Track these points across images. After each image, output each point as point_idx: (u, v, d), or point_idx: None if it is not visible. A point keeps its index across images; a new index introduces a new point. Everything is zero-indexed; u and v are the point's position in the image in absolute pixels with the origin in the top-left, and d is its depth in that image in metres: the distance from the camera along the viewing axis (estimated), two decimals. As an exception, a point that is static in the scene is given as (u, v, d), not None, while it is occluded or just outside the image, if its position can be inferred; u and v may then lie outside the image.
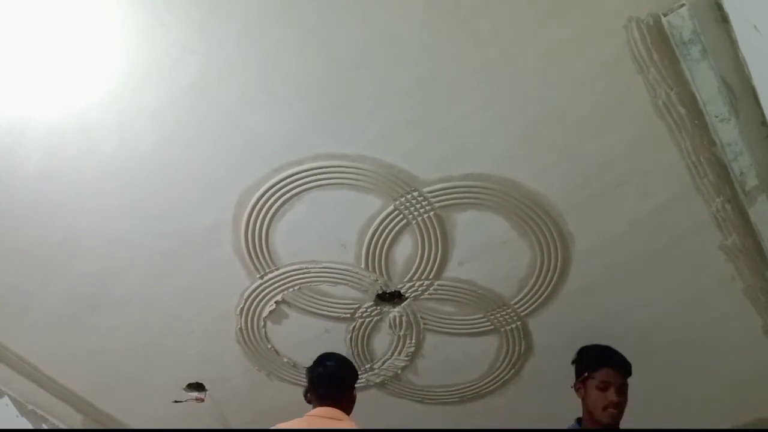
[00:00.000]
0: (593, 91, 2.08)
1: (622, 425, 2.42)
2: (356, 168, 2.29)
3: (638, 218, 2.35)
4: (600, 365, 2.44)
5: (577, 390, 2.48)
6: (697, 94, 2.01)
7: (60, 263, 2.53)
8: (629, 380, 2.45)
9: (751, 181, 2.18)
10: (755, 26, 1.79)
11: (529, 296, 2.65)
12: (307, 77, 2.07)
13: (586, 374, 2.46)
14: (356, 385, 2.64)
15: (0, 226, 2.43)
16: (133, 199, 2.36)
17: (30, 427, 2.95)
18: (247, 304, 2.72)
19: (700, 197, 2.28)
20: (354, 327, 2.81)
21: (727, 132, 2.07)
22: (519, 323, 2.74)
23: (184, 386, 3.05)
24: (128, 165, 2.27)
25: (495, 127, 2.19)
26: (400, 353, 2.90)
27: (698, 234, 2.36)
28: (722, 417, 2.97)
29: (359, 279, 2.62)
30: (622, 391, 2.40)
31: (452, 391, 3.05)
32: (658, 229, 2.38)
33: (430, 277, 2.60)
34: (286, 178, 2.32)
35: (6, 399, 2.91)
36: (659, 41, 1.94)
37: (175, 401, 3.05)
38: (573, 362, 2.59)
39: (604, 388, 2.39)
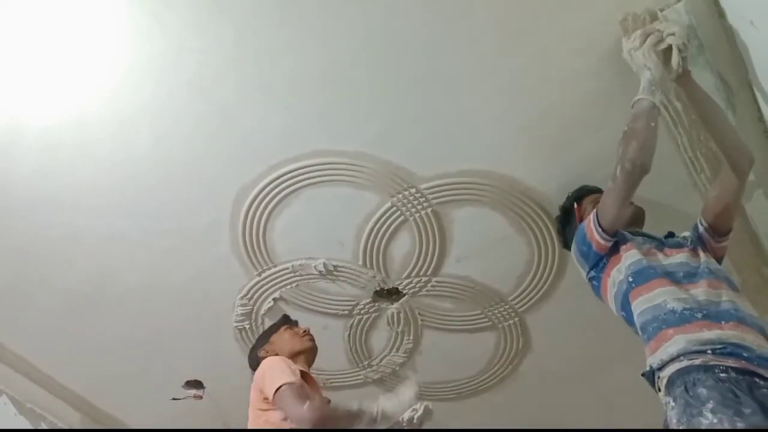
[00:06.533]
0: (590, 87, 2.08)
1: None
2: (353, 165, 2.29)
3: (635, 213, 2.35)
4: (581, 198, 2.20)
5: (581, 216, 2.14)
6: (693, 90, 2.01)
7: (58, 261, 2.53)
8: None
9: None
10: (752, 22, 1.79)
11: (526, 292, 2.65)
12: (304, 75, 2.06)
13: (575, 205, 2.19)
14: (352, 382, 2.63)
15: (-3, 224, 2.43)
16: (130, 197, 2.36)
17: (28, 425, 2.94)
18: (245, 301, 2.72)
19: (697, 192, 2.28)
20: (352, 324, 2.81)
21: (724, 128, 2.07)
22: (517, 319, 2.74)
23: (183, 384, 3.04)
24: (125, 163, 2.27)
25: (492, 124, 2.19)
26: (398, 350, 2.90)
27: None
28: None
29: (357, 276, 2.62)
30: None
31: (450, 387, 3.05)
32: (654, 225, 2.36)
33: (428, 273, 2.61)
34: (283, 175, 2.32)
35: (4, 397, 2.90)
36: (656, 37, 1.94)
37: (174, 399, 3.05)
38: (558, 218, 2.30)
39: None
